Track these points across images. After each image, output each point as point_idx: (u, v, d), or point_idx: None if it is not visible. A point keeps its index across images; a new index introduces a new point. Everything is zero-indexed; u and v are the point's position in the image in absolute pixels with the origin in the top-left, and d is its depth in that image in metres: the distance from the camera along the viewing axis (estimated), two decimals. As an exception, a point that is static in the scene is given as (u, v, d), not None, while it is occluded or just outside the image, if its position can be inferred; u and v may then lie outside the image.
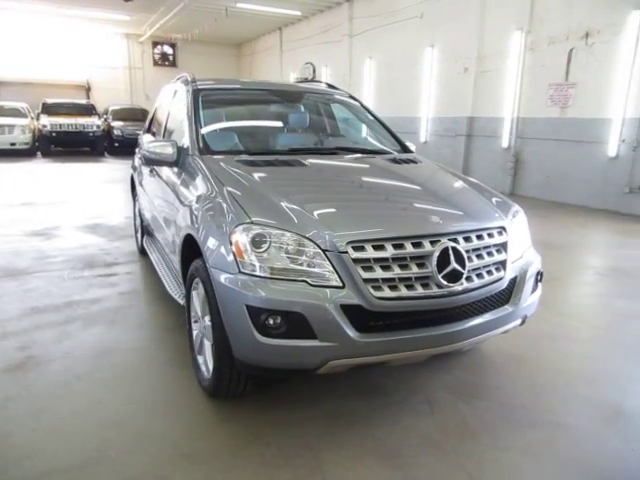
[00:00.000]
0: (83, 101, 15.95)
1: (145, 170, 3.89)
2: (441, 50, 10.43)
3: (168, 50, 19.16)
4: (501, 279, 2.25)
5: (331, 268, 1.95)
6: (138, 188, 4.34)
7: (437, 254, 2.03)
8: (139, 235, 4.77)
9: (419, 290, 2.01)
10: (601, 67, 7.57)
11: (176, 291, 3.03)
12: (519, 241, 2.43)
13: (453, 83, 10.20)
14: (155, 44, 18.85)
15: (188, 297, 2.62)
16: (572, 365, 2.89)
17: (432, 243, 2.05)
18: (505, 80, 9.12)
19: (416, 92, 11.01)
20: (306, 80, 3.65)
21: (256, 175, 2.49)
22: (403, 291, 1.99)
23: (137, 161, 4.48)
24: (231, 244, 2.03)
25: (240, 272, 1.98)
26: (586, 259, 5.35)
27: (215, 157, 2.75)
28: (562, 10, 8.01)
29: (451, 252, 2.06)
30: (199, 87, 3.29)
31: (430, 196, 2.48)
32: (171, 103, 3.71)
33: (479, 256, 2.18)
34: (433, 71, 10.70)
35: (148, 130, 4.51)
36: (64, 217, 6.42)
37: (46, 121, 13.59)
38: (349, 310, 1.93)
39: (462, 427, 2.28)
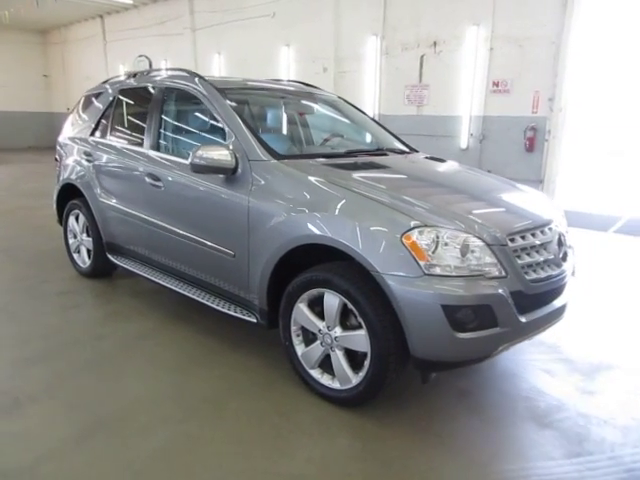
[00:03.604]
0: None
1: (131, 182, 3.37)
2: (298, 50, 10.82)
3: (-54, 33, 15.51)
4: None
5: (495, 260, 2.14)
6: (99, 203, 3.69)
7: (556, 239, 2.40)
8: (83, 256, 4.08)
9: (549, 271, 2.34)
10: (449, 72, 8.87)
11: (238, 311, 2.79)
12: None
13: (313, 82, 10.65)
14: None
15: (288, 314, 2.50)
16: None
17: (550, 230, 2.41)
18: (364, 81, 9.96)
19: (275, 90, 11.19)
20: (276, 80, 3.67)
21: (364, 178, 2.51)
22: (542, 273, 2.30)
23: (92, 172, 3.78)
24: (407, 248, 2.06)
25: (425, 274, 2.04)
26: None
27: (295, 162, 2.65)
28: (412, 21, 9.12)
29: (561, 236, 2.45)
30: (220, 86, 3.05)
31: (513, 191, 2.84)
32: (161, 104, 3.29)
33: (564, 237, 2.61)
34: (290, 70, 11.03)
35: (92, 134, 3.88)
36: None
37: None
38: (513, 296, 2.16)
39: (554, 379, 2.71)
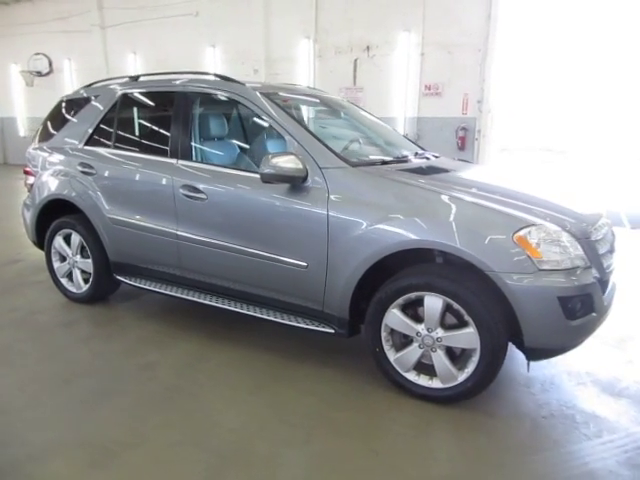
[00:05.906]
0: None
1: (156, 195, 3.10)
2: (225, 51, 10.55)
3: None
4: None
5: (584, 252, 2.35)
6: (106, 220, 3.34)
7: (610, 230, 2.68)
8: (78, 281, 3.67)
9: (610, 259, 2.62)
10: (383, 75, 9.24)
11: (309, 323, 2.73)
12: None
13: (243, 84, 10.51)
14: None
15: (377, 320, 2.53)
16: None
17: (606, 222, 2.69)
18: (297, 83, 9.99)
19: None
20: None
21: (448, 183, 2.60)
22: (608, 261, 2.56)
23: (95, 185, 3.39)
24: (520, 247, 2.19)
25: (539, 270, 2.18)
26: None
27: (370, 169, 2.65)
28: (344, 25, 9.34)
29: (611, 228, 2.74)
30: (264, 90, 2.94)
31: (562, 191, 3.06)
32: (190, 110, 3.08)
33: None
34: (218, 71, 10.69)
35: (88, 142, 3.50)
36: None
37: None
38: (599, 282, 2.39)
39: (597, 353, 3.02)
